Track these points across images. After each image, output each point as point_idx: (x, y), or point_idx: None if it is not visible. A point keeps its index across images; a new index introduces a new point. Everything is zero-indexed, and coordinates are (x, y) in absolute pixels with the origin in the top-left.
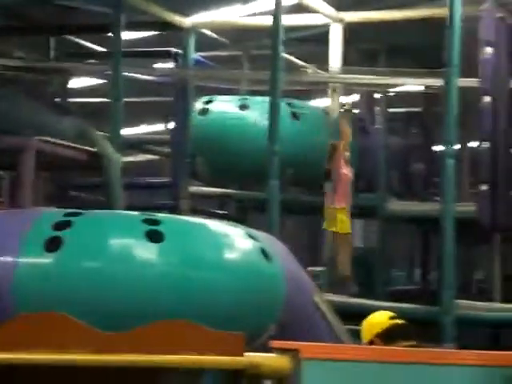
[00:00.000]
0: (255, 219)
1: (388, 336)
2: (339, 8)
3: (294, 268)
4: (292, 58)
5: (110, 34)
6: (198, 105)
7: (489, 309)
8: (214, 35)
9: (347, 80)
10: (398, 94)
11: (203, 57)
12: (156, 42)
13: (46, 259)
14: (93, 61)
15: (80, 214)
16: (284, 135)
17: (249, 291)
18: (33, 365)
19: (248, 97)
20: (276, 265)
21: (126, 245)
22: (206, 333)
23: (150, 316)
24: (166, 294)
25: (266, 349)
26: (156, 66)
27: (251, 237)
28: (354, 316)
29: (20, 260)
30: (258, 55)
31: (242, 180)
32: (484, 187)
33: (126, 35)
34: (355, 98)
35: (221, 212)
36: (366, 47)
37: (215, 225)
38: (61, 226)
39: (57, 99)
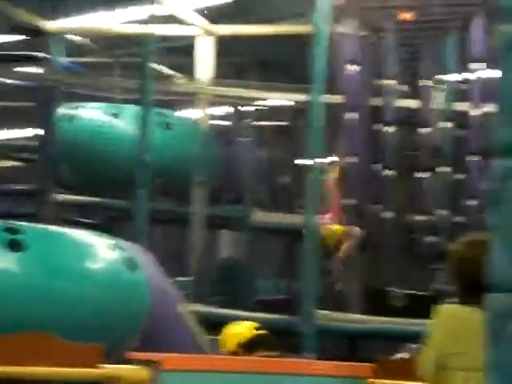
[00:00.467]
0: (122, 228)
1: (250, 346)
2: (212, 20)
3: (160, 278)
4: (163, 68)
5: None
6: (66, 111)
7: (348, 320)
8: (86, 41)
9: (218, 92)
10: (266, 107)
11: (73, 63)
12: (22, 47)
13: None
14: None
15: None
16: (154, 145)
17: (112, 302)
18: None
19: (118, 105)
20: (140, 275)
21: None
22: (62, 344)
23: (10, 327)
24: (26, 304)
25: (128, 360)
26: (19, 69)
27: (116, 247)
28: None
29: None
30: (130, 63)
31: (110, 189)
32: (349, 201)
33: None
34: (225, 110)
35: (86, 221)
36: (238, 61)
37: (79, 234)
38: None
39: None
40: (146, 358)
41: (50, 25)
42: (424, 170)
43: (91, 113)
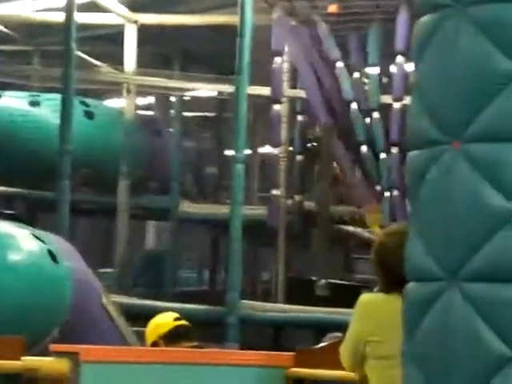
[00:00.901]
0: (45, 220)
1: (171, 337)
2: (135, 9)
3: (82, 270)
4: (86, 57)
5: None
6: None
7: (272, 309)
8: (4, 29)
9: (142, 81)
10: (192, 98)
11: None
12: None
13: None
14: None
15: None
16: (77, 134)
17: (33, 293)
18: None
19: (39, 93)
20: (63, 266)
21: None
22: None
23: None
24: None
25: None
26: None
27: (37, 238)
28: (143, 317)
29: None
30: (51, 51)
31: (32, 179)
32: (274, 192)
33: None
34: (150, 100)
35: (8, 212)
36: (162, 51)
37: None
38: None
39: None
40: (66, 349)
41: None
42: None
43: (10, 101)
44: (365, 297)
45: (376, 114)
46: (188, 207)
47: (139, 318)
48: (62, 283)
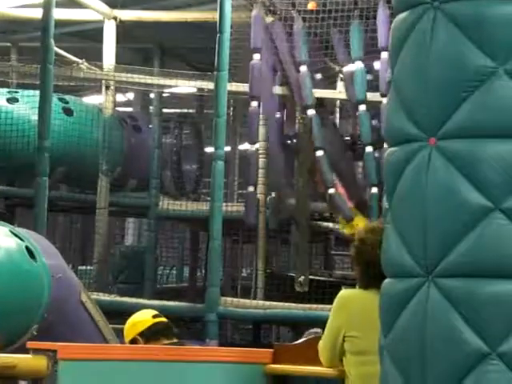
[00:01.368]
0: (23, 217)
1: (150, 334)
2: (113, 6)
3: (61, 267)
4: (64, 53)
5: None
6: None
7: (251, 306)
8: None
9: (121, 78)
10: (172, 94)
11: None
12: None
13: None
14: None
15: None
16: (56, 131)
17: (10, 290)
18: None
19: (17, 90)
20: (41, 264)
21: None
22: None
23: None
24: None
25: (27, 349)
26: None
27: (15, 235)
28: (122, 314)
29: None
30: (28, 48)
31: (10, 176)
32: (251, 188)
33: None
34: (129, 96)
35: None
36: (142, 47)
37: None
38: None
39: None
40: (43, 347)
41: None
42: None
43: None
44: (344, 292)
45: (362, 107)
46: (167, 204)
47: (118, 315)
48: (40, 280)
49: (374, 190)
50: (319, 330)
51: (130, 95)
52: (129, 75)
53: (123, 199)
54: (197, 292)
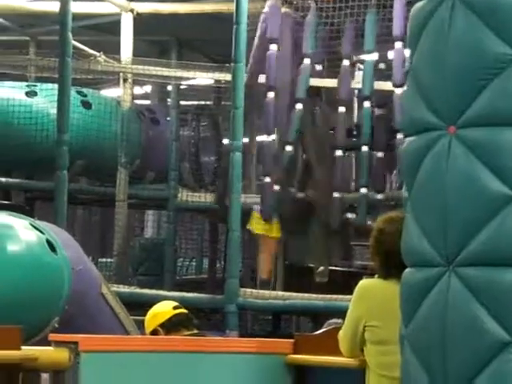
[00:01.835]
0: (44, 210)
1: (171, 325)
2: None
3: (81, 259)
4: (82, 46)
5: None
6: None
7: (271, 297)
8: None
9: (139, 71)
10: (189, 86)
11: None
12: None
13: None
14: None
15: None
16: (74, 125)
17: (32, 283)
18: None
19: (36, 83)
20: (61, 256)
21: None
22: None
23: None
24: None
25: (49, 342)
26: None
27: (35, 228)
28: (142, 306)
29: None
30: (46, 41)
31: (29, 169)
32: (267, 180)
33: None
34: (147, 89)
35: (6, 202)
36: (159, 39)
37: None
38: None
39: None
40: (65, 339)
41: None
42: (343, 149)
43: (8, 92)
44: (364, 282)
45: (367, 103)
46: (186, 196)
47: (139, 306)
48: (61, 273)
49: (363, 190)
50: (339, 321)
51: (148, 88)
52: (146, 68)
53: (142, 191)
54: (216, 283)
